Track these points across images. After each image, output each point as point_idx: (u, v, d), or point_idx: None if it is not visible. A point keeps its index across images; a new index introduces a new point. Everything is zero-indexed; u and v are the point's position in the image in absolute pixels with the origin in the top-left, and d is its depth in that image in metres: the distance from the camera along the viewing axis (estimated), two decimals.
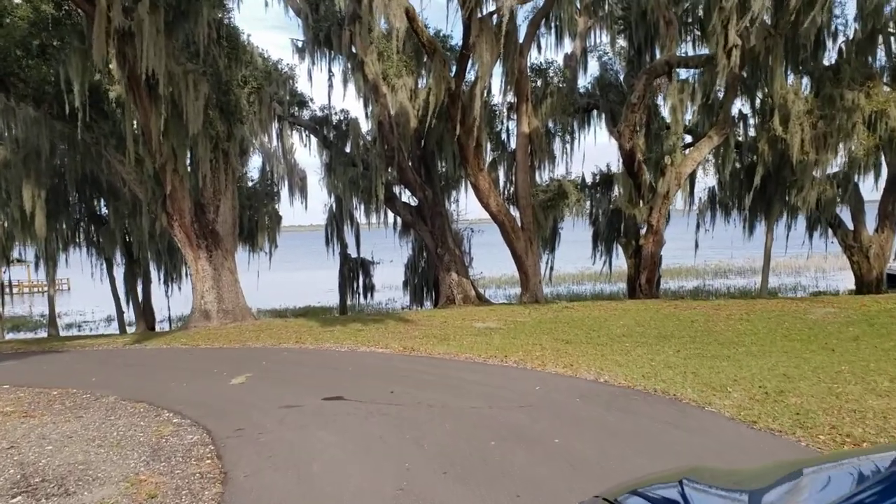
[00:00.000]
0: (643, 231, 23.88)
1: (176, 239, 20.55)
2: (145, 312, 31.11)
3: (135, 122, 18.99)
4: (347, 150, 26.74)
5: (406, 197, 26.57)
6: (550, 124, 25.36)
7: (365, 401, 9.30)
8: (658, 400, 8.73)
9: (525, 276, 23.95)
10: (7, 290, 31.86)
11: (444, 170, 26.59)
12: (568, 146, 25.42)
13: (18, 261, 37.30)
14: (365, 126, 26.65)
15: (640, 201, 23.35)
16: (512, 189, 24.73)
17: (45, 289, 62.09)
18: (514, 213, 23.62)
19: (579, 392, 9.28)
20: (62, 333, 34.00)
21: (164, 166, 18.99)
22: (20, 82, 18.82)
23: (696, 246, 27.68)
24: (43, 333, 33.59)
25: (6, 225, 22.83)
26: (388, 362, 12.48)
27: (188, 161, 19.81)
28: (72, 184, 22.07)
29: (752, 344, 13.44)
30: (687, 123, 25.11)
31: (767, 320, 16.12)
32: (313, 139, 28.04)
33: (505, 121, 25.79)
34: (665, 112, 24.94)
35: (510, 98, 24.32)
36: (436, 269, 26.02)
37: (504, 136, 25.91)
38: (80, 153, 21.31)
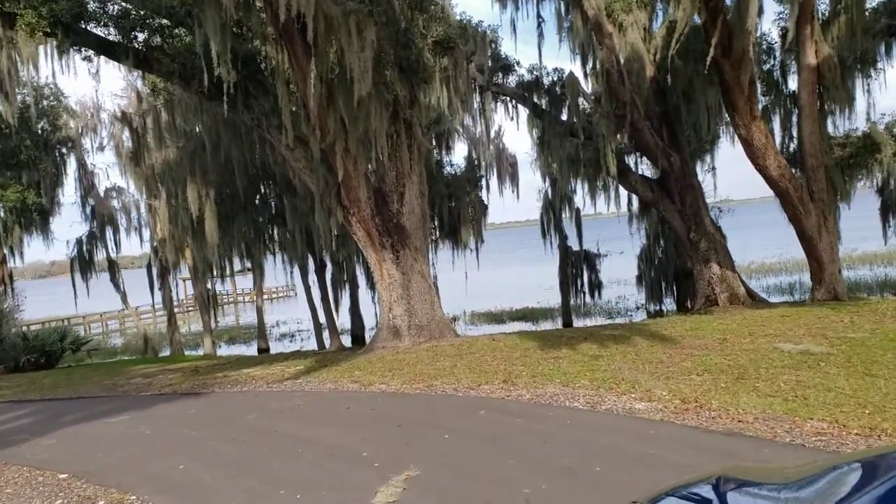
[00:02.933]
0: None
1: (355, 238, 15.74)
2: (353, 319, 27.26)
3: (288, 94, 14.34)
4: (563, 118, 20.78)
5: (642, 168, 20.11)
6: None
7: None
8: None
9: (817, 264, 16.68)
10: (212, 300, 29.08)
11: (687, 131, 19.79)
12: (870, 82, 17.49)
13: (245, 270, 34.23)
14: (585, 86, 20.47)
15: None
16: (793, 146, 17.48)
17: (277, 295, 62.21)
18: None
19: None
20: (272, 345, 31.34)
21: (333, 146, 14.15)
22: (164, 56, 14.82)
23: None
24: (255, 346, 31.00)
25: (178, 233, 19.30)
26: (663, 446, 6.38)
27: (363, 138, 14.81)
28: (241, 179, 17.94)
29: None
30: None
31: None
32: (522, 111, 22.34)
33: (778, 53, 18.35)
34: None
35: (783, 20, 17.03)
36: (689, 259, 19.32)
37: (776, 74, 18.44)
38: (245, 141, 17.10)
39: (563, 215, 25.28)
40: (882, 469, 2.00)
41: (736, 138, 21.07)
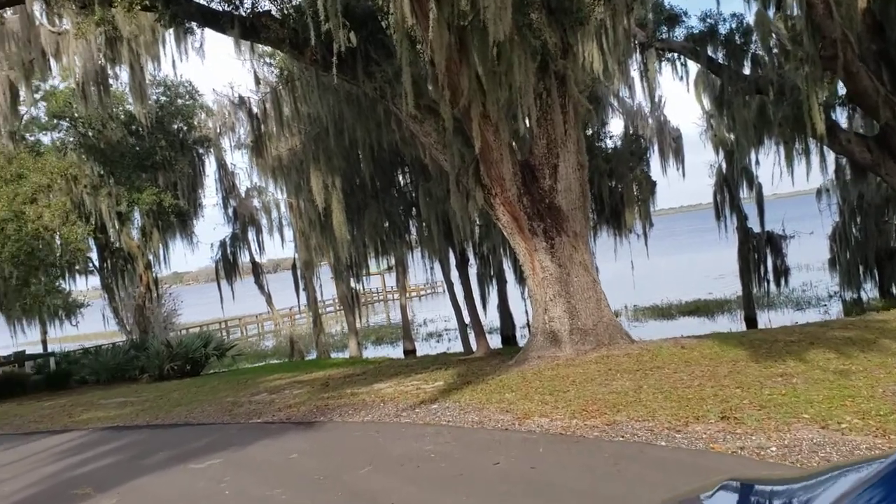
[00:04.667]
0: None
1: (499, 224, 12.87)
2: (502, 318, 24.45)
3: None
4: (746, 72, 16.92)
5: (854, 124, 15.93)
6: None
7: None
8: None
9: None
10: (356, 300, 27.07)
11: None
12: None
13: (389, 268, 31.90)
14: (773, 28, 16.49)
15: None
16: None
17: (424, 292, 60.47)
18: None
19: None
20: (418, 346, 29.23)
21: (468, 110, 11.32)
22: (273, 22, 12.58)
23: None
24: (401, 346, 28.93)
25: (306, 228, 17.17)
26: None
27: (504, 99, 11.87)
28: (368, 164, 15.50)
29: None
30: None
31: None
32: (692, 68, 18.60)
33: None
34: None
35: None
36: None
37: None
38: (371, 119, 14.65)
39: (741, 191, 21.39)
40: (877, 472, 1.77)
41: None
